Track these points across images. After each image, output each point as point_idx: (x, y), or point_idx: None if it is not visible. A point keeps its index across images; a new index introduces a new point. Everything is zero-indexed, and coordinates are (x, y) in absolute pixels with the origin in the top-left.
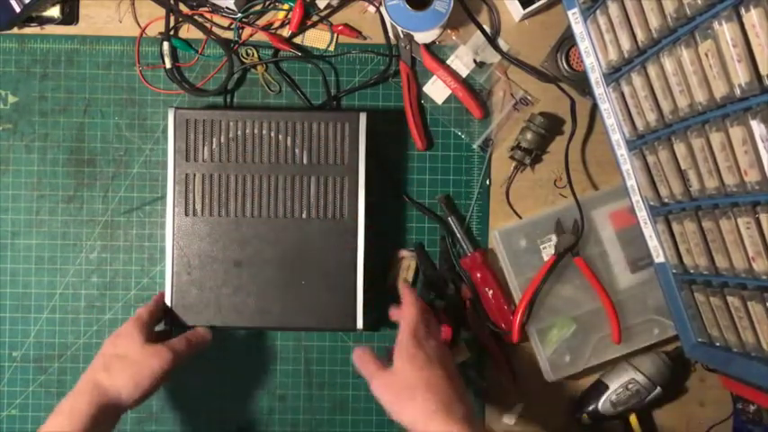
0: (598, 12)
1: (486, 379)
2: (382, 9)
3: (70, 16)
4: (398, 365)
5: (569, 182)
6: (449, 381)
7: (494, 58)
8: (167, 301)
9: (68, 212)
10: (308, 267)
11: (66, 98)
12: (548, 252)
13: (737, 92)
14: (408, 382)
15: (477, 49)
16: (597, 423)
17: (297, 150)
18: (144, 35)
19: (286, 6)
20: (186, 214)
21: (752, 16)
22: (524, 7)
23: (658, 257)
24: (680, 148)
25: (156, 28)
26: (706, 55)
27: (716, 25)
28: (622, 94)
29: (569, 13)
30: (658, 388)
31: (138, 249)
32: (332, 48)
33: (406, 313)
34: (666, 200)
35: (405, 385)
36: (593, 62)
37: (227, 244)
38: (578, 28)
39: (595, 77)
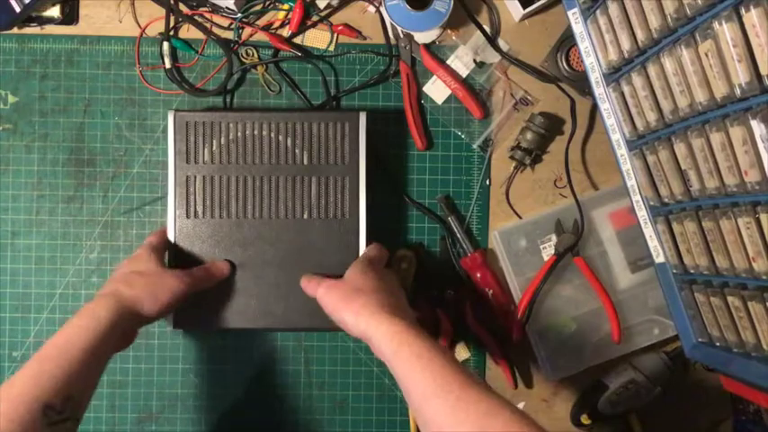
0: (598, 12)
1: (487, 379)
2: (382, 9)
3: (70, 16)
4: (348, 274)
5: (569, 182)
6: (397, 294)
7: (494, 58)
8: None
9: (68, 212)
10: (310, 268)
11: (66, 98)
12: (548, 252)
13: (738, 92)
14: (356, 284)
15: (477, 49)
16: (597, 423)
17: (297, 151)
18: (144, 35)
19: (286, 6)
20: (187, 216)
21: (752, 16)
22: (524, 7)
23: (658, 257)
24: (680, 148)
25: (156, 28)
26: (706, 55)
27: (716, 25)
28: (622, 94)
29: (569, 13)
30: (658, 388)
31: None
32: (332, 48)
33: (370, 248)
34: (667, 200)
35: (352, 287)
36: (593, 62)
37: (228, 245)
38: (578, 28)
39: (595, 77)
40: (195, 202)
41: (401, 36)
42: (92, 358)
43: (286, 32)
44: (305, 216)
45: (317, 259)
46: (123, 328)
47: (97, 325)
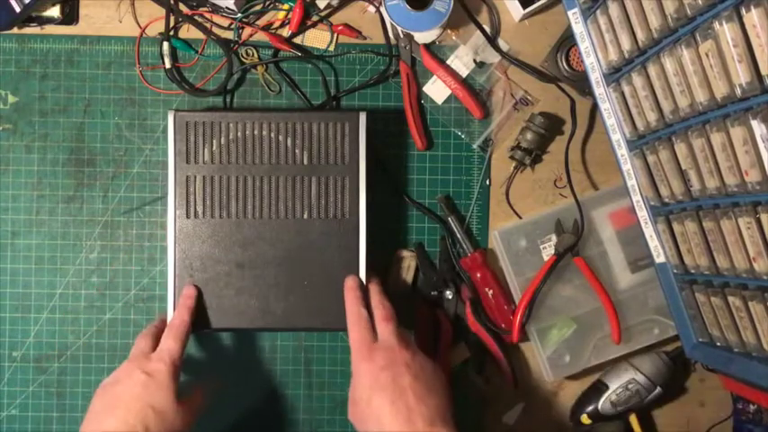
0: (598, 12)
1: (486, 379)
2: (382, 9)
3: (70, 16)
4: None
5: (569, 182)
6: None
7: (494, 58)
8: (169, 304)
9: (68, 212)
10: (310, 268)
11: (66, 98)
12: (548, 252)
13: (738, 92)
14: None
15: (477, 49)
16: (597, 423)
17: (297, 151)
18: (144, 35)
19: (286, 6)
20: (187, 216)
21: (752, 16)
22: (524, 7)
23: (659, 257)
24: (680, 148)
25: (156, 28)
26: (706, 55)
27: (716, 25)
28: (623, 94)
29: (569, 13)
30: (658, 388)
31: (138, 249)
32: (332, 48)
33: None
34: (667, 200)
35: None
36: (593, 62)
37: (228, 246)
38: (578, 28)
39: (595, 77)
40: (195, 202)
41: (401, 36)
42: None
43: (286, 32)
44: (305, 216)
45: (317, 259)
46: None
47: None
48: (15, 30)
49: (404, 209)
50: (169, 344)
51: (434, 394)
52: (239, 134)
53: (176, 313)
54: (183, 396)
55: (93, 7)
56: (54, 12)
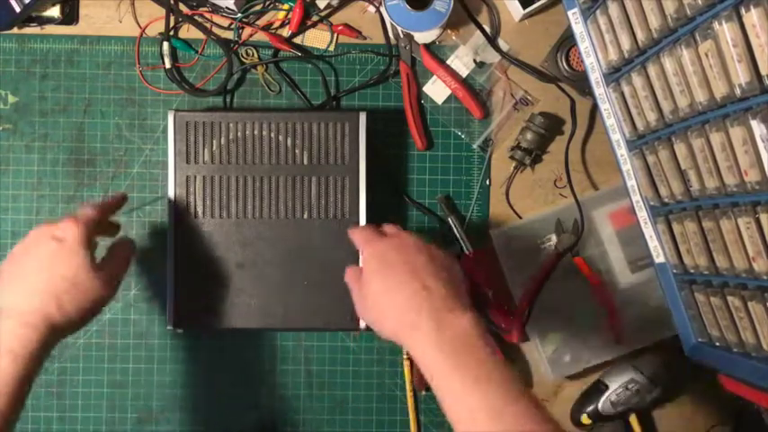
0: (598, 12)
1: None
2: (382, 9)
3: (70, 16)
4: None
5: (569, 182)
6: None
7: (494, 58)
8: (169, 303)
9: (68, 212)
10: (311, 268)
11: (66, 98)
12: (548, 252)
13: (738, 92)
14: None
15: (477, 49)
16: (597, 423)
17: (297, 151)
18: (144, 35)
19: (286, 6)
20: (187, 216)
21: (752, 16)
22: (524, 7)
23: (658, 257)
24: (680, 148)
25: (156, 28)
26: (706, 55)
27: (716, 25)
28: (622, 94)
29: (569, 13)
30: (658, 388)
31: (137, 249)
32: (332, 48)
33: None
34: (667, 200)
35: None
36: (593, 62)
37: (228, 246)
38: (578, 28)
39: (595, 77)
40: (195, 202)
41: (401, 36)
42: (24, 386)
43: (286, 32)
44: (305, 216)
45: (317, 259)
46: (49, 349)
47: (29, 354)
48: (15, 30)
49: (404, 209)
50: (84, 209)
51: (453, 278)
52: (239, 134)
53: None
54: (101, 262)
55: (93, 7)
56: (54, 12)
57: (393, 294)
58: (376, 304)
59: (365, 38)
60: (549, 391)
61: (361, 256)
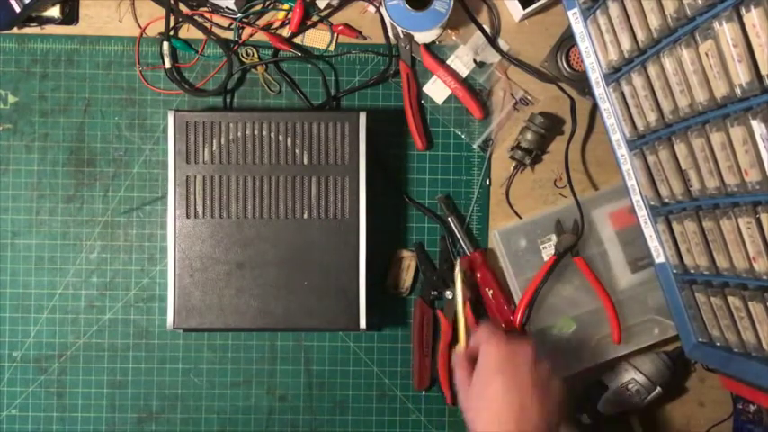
0: (598, 12)
1: None
2: (382, 9)
3: (70, 16)
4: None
5: (569, 182)
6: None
7: (494, 58)
8: (169, 303)
9: (68, 212)
10: (310, 268)
11: (66, 98)
12: (548, 252)
13: (738, 92)
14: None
15: (477, 49)
16: (597, 423)
17: (297, 151)
18: (144, 35)
19: (286, 6)
20: (188, 216)
21: (752, 16)
22: (524, 7)
23: (659, 257)
24: (680, 148)
25: (156, 28)
26: (706, 55)
27: (716, 25)
28: (622, 94)
29: (569, 13)
30: (658, 388)
31: (138, 249)
32: (332, 48)
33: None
34: (667, 200)
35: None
36: (593, 62)
37: (228, 246)
38: (578, 28)
39: (595, 77)
40: (195, 202)
41: (401, 36)
42: None
43: (286, 32)
44: (305, 216)
45: (317, 259)
46: None
47: None
48: (15, 30)
49: (404, 209)
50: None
51: (549, 403)
52: (239, 134)
53: None
54: None
55: (93, 7)
56: (54, 12)
57: (495, 396)
58: (477, 392)
59: (365, 38)
60: None
61: (481, 348)
